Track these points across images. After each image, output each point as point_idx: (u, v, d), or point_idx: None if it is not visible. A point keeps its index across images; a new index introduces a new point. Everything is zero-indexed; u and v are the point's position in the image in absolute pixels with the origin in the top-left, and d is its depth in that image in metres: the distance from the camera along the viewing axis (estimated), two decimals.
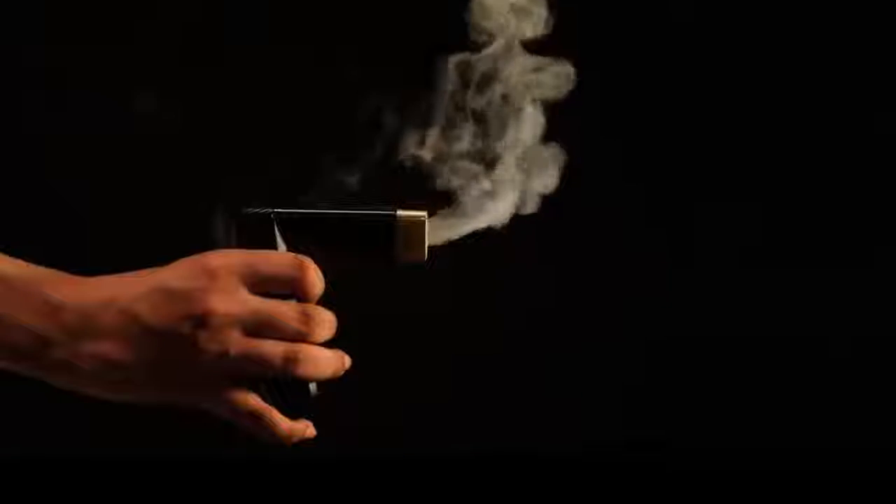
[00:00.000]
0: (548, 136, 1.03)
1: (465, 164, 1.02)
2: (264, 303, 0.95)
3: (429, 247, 0.99)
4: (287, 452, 1.22)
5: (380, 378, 1.78)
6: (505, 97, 1.02)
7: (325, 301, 0.97)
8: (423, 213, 0.99)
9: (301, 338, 0.95)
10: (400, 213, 0.99)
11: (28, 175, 1.95)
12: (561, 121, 1.99)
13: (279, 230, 0.98)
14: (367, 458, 2.01)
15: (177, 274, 0.94)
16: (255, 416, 0.96)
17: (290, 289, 0.96)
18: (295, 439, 0.98)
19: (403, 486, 2.03)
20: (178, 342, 0.93)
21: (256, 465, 2.01)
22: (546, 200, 1.05)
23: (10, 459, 2.00)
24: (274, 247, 0.97)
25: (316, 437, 0.99)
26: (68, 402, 1.35)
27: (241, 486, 2.02)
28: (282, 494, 2.01)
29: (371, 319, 1.58)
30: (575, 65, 1.92)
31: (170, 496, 2.02)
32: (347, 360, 0.98)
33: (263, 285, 0.95)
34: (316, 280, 0.96)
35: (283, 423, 0.96)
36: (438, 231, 1.01)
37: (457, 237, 1.02)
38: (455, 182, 1.02)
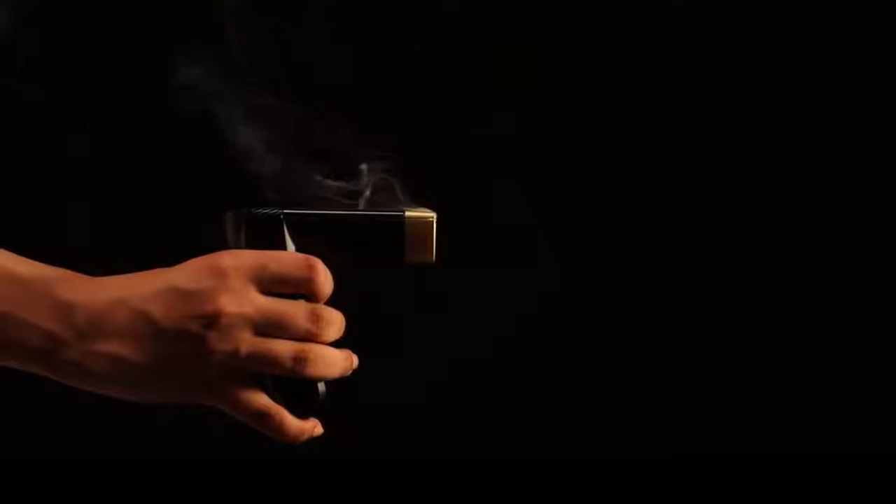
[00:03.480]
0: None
1: None
2: (274, 303, 0.95)
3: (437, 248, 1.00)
4: (285, 452, 1.23)
5: (381, 379, 1.79)
6: None
7: (333, 301, 0.98)
8: (432, 214, 1.00)
9: (310, 338, 0.96)
10: (408, 213, 0.99)
11: (35, 175, 1.96)
12: (560, 121, 2.00)
13: (288, 231, 0.98)
14: (367, 459, 2.01)
15: (187, 274, 0.95)
16: (265, 415, 0.96)
17: (300, 289, 0.96)
18: (304, 438, 0.98)
19: (403, 486, 2.03)
20: (189, 342, 0.94)
21: (256, 466, 2.01)
22: (548, 202, 1.06)
23: (11, 460, 2.01)
24: (283, 247, 0.98)
25: (313, 438, 1.00)
26: (69, 402, 1.35)
27: (241, 487, 2.02)
28: (282, 494, 2.01)
29: (373, 320, 1.59)
30: (573, 63, 1.93)
31: (170, 497, 2.02)
32: (356, 360, 0.99)
33: (273, 285, 0.96)
34: (325, 280, 0.97)
35: (293, 421, 0.97)
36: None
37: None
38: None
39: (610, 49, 1.99)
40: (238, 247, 0.98)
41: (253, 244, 0.98)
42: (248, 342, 0.95)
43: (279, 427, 0.97)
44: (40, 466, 2.01)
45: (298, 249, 0.98)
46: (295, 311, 0.96)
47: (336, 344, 0.98)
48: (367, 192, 1.01)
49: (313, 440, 0.99)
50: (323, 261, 0.97)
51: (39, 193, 1.95)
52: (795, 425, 2.02)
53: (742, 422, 2.02)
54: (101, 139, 1.96)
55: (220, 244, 0.98)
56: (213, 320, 0.94)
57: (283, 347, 0.95)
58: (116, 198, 1.96)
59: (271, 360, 0.95)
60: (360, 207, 1.01)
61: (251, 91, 1.04)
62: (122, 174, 1.96)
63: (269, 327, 0.95)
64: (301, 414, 0.98)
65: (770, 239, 2.01)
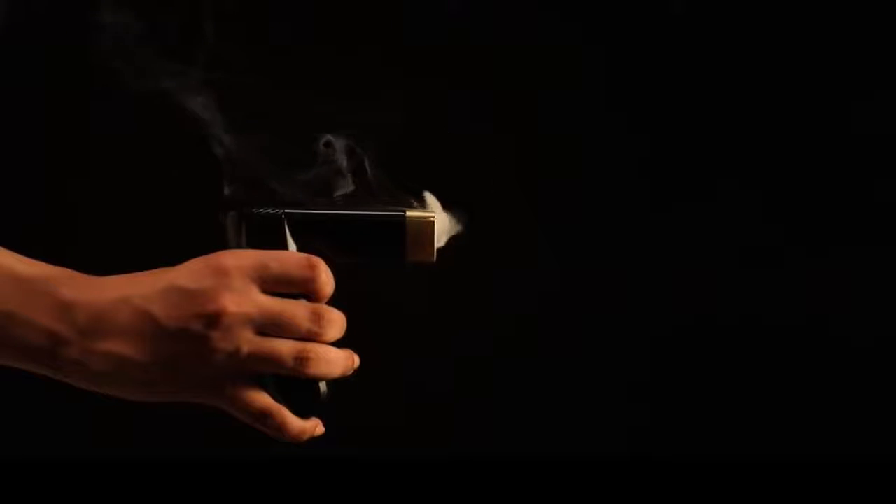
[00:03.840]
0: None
1: None
2: (276, 302, 0.96)
3: (437, 247, 1.00)
4: (285, 452, 1.23)
5: (381, 379, 1.79)
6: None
7: (334, 301, 0.98)
8: (433, 214, 1.00)
9: (312, 337, 0.96)
10: (409, 213, 1.00)
11: (35, 174, 1.96)
12: (560, 121, 2.00)
13: (290, 231, 0.98)
14: (367, 459, 2.01)
15: (189, 273, 0.95)
16: (267, 415, 0.96)
17: (301, 289, 0.97)
18: (305, 437, 0.98)
19: (403, 486, 2.03)
20: (191, 341, 0.94)
21: (256, 466, 2.01)
22: (548, 202, 1.06)
23: (11, 460, 2.01)
24: (285, 247, 0.98)
25: (314, 437, 1.00)
26: (69, 402, 1.35)
27: (241, 487, 2.02)
28: (282, 494, 2.01)
29: (374, 320, 1.59)
30: (573, 63, 1.93)
31: (170, 497, 2.02)
32: (357, 360, 0.99)
33: (275, 285, 0.96)
34: (327, 280, 0.97)
35: (294, 421, 0.97)
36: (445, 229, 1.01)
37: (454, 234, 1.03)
38: None
39: (610, 49, 1.99)
40: (239, 246, 0.98)
41: (254, 244, 0.98)
42: (249, 341, 0.95)
43: (280, 427, 0.97)
44: (40, 466, 2.01)
45: (300, 249, 0.98)
46: (296, 310, 0.96)
47: (337, 344, 0.98)
48: (358, 187, 1.01)
49: (314, 440, 0.99)
50: (324, 260, 0.97)
51: (40, 193, 1.95)
52: (795, 425, 2.02)
53: (742, 422, 2.02)
54: (101, 139, 1.95)
55: (221, 244, 0.98)
56: (214, 319, 0.94)
57: (285, 347, 0.96)
58: (117, 198, 1.96)
59: (273, 360, 0.95)
60: (360, 206, 1.01)
61: (251, 90, 1.05)
62: (122, 174, 1.96)
63: (271, 327, 0.95)
64: (302, 413, 0.98)
65: (770, 239, 2.01)
